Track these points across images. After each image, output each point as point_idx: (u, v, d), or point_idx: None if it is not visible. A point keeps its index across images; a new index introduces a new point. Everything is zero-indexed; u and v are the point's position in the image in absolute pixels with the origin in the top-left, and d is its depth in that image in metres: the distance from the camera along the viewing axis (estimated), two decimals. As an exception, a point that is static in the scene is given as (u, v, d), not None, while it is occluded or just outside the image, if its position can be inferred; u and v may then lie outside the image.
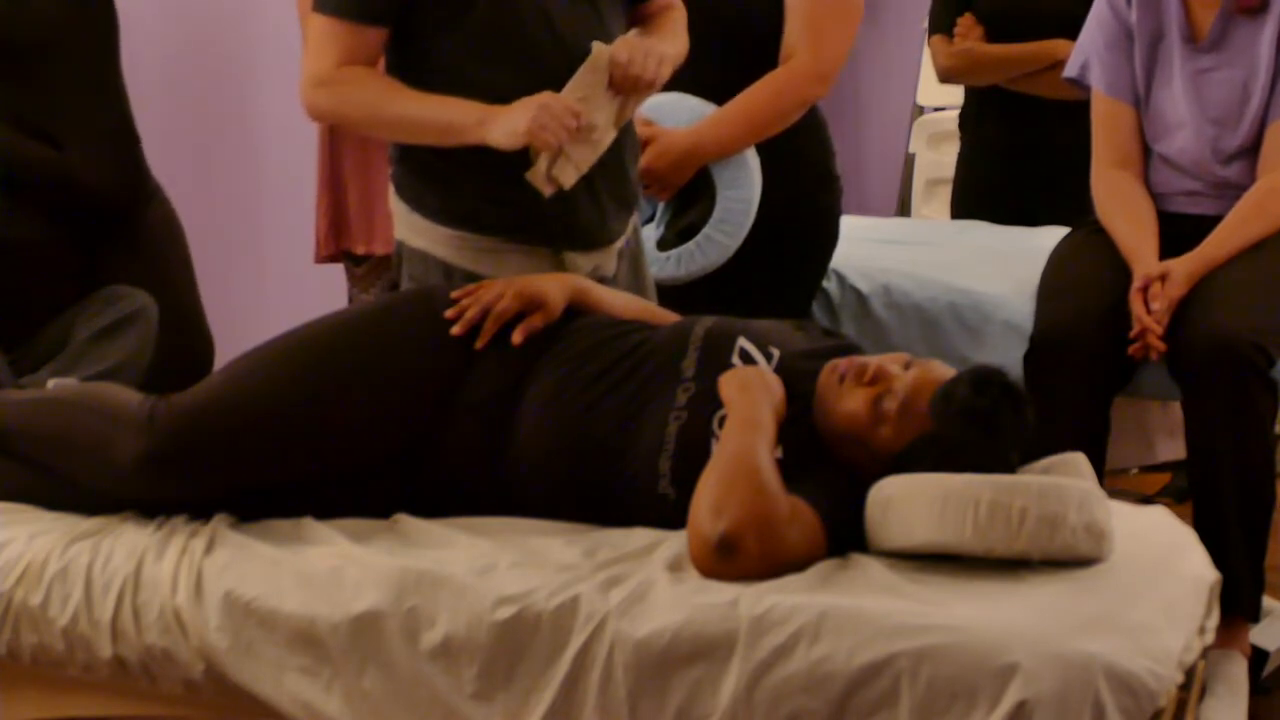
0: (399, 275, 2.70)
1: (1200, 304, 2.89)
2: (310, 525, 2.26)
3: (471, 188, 2.57)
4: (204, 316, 3.39)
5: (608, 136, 2.54)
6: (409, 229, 2.65)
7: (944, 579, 2.03)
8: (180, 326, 3.18)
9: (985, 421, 2.13)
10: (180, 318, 3.19)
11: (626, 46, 2.52)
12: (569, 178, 2.50)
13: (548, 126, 2.39)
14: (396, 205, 2.67)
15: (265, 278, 5.08)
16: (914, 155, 5.33)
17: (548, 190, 2.50)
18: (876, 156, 5.81)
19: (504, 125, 2.42)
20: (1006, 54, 3.86)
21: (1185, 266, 2.94)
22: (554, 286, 2.41)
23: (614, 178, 2.63)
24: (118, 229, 3.19)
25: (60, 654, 2.22)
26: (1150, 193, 3.15)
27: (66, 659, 2.22)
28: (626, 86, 2.51)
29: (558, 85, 2.47)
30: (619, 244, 2.71)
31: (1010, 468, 2.19)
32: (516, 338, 2.34)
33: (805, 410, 2.23)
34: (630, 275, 2.76)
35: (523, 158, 2.48)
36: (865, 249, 3.50)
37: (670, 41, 2.66)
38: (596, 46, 2.49)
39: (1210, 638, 2.15)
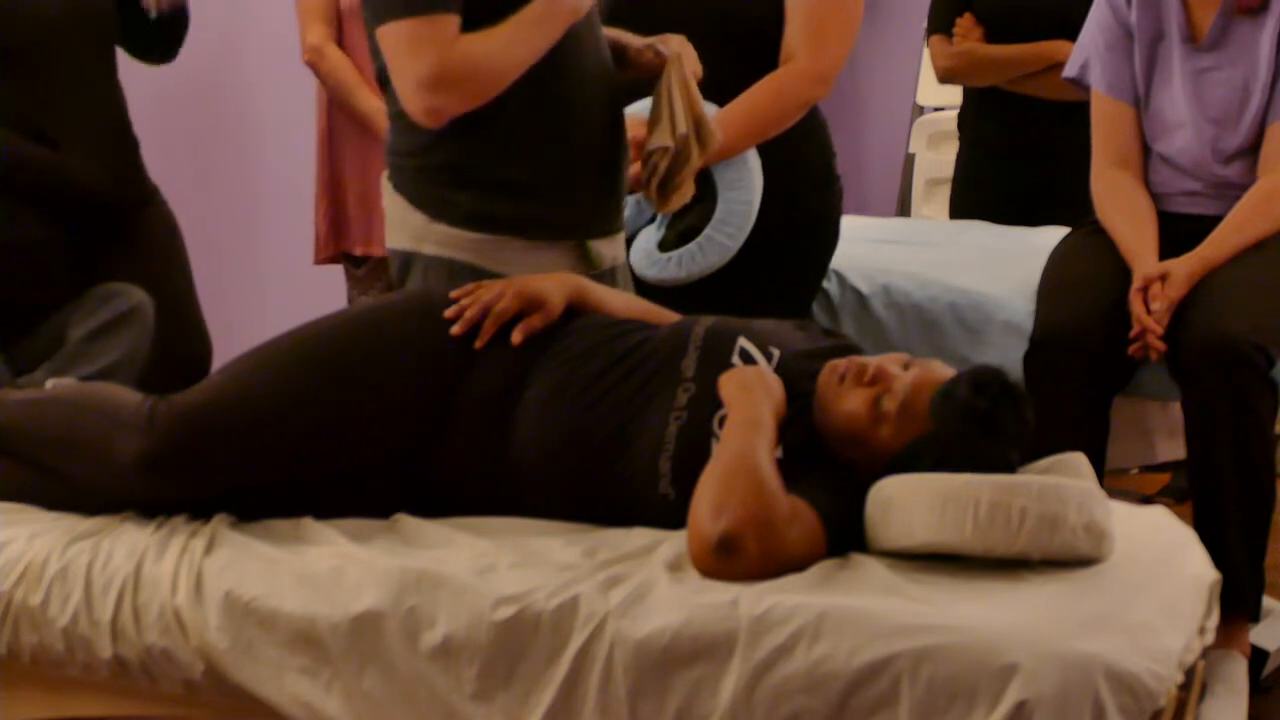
0: (401, 285, 2.68)
1: (1200, 304, 2.90)
2: (310, 525, 2.26)
3: (509, 191, 2.57)
4: (201, 317, 3.39)
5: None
6: (425, 239, 2.61)
7: (944, 579, 2.03)
8: (177, 327, 3.18)
9: (985, 422, 2.13)
10: (177, 318, 3.19)
11: (677, 41, 2.63)
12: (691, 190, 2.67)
13: None
14: (409, 216, 2.62)
15: (265, 278, 5.08)
16: (914, 155, 5.33)
17: (676, 205, 2.67)
18: (876, 156, 5.81)
19: None
20: (1005, 54, 3.86)
21: (1185, 267, 2.95)
22: (553, 286, 2.41)
23: (622, 164, 2.69)
24: (115, 230, 3.19)
25: (60, 654, 2.22)
26: (1150, 193, 3.15)
27: (66, 659, 2.22)
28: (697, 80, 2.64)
29: (596, 82, 2.59)
30: (623, 231, 2.77)
31: (1010, 468, 2.18)
32: (516, 338, 2.34)
33: (805, 410, 2.23)
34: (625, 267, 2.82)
35: (556, 157, 2.56)
36: (865, 249, 3.50)
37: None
38: (672, 52, 2.62)
39: (1210, 638, 2.15)
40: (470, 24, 2.47)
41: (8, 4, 3.07)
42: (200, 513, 2.29)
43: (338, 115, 4.04)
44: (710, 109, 3.04)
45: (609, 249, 2.69)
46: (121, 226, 3.21)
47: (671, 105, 2.59)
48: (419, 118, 2.50)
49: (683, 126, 2.59)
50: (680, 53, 2.62)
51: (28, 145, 3.08)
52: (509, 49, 2.48)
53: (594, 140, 2.63)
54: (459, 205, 2.58)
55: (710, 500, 2.05)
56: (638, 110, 2.98)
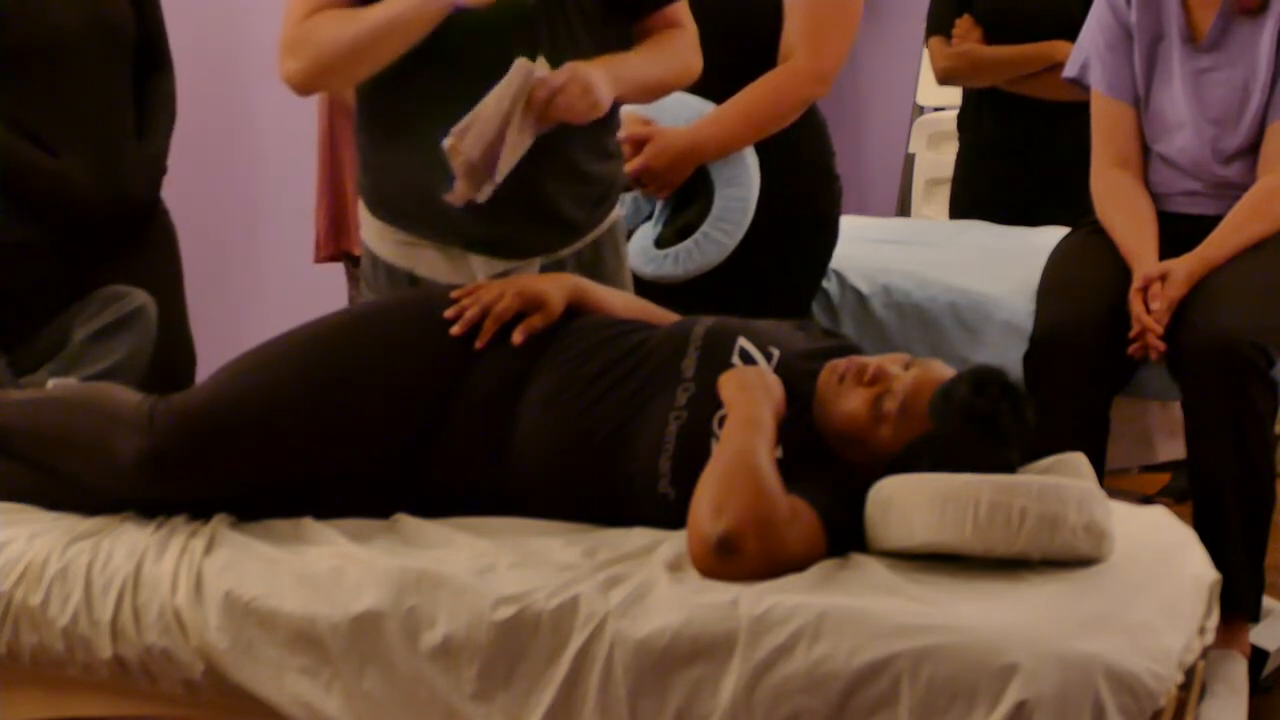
0: None
1: (1200, 304, 2.90)
2: (310, 525, 2.26)
3: (395, 182, 2.58)
4: (188, 329, 3.39)
5: (521, 151, 2.44)
6: (361, 221, 2.69)
7: (944, 579, 2.03)
8: (164, 338, 3.18)
9: (985, 421, 2.13)
10: (165, 329, 3.19)
11: (566, 73, 2.42)
12: (485, 194, 2.44)
13: None
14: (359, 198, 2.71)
15: (265, 278, 5.08)
16: (914, 155, 5.33)
17: (461, 202, 2.45)
18: (876, 156, 5.81)
19: None
20: (1005, 55, 3.86)
21: (1185, 267, 2.95)
22: (554, 287, 2.41)
23: (527, 195, 2.52)
24: (115, 238, 3.19)
25: (60, 654, 2.22)
26: (1150, 193, 3.15)
27: (66, 659, 2.22)
28: (546, 112, 2.41)
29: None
30: (547, 259, 2.62)
31: (1010, 468, 2.18)
32: (516, 338, 2.34)
33: (805, 410, 2.23)
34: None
35: (440, 158, 2.46)
36: (865, 249, 3.50)
37: (639, 66, 2.59)
38: (519, 62, 2.40)
39: (1210, 638, 2.15)
40: None
41: (29, 8, 3.07)
42: (200, 513, 2.29)
43: (339, 115, 4.05)
44: (708, 107, 3.05)
45: (503, 265, 2.57)
46: (121, 235, 3.21)
47: (473, 116, 2.40)
48: (287, 84, 2.52)
49: (456, 139, 2.39)
50: (525, 74, 2.39)
51: (29, 150, 3.08)
52: (345, 31, 2.43)
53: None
54: (366, 190, 2.64)
55: (710, 500, 2.05)
56: (632, 109, 2.98)
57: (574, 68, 2.44)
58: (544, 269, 2.61)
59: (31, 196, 3.08)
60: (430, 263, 2.59)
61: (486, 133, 2.39)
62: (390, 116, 2.57)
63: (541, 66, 2.42)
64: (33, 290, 3.10)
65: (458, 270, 2.57)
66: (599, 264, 2.69)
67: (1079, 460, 2.29)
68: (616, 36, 2.60)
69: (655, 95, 2.70)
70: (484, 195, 2.43)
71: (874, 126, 5.88)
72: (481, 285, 2.40)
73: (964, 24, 3.90)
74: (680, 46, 2.67)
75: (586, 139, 2.58)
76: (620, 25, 2.62)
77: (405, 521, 2.27)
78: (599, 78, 2.46)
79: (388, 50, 2.46)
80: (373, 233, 2.65)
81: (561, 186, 2.58)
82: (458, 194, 2.43)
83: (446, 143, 2.40)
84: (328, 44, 2.45)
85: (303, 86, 2.53)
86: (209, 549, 2.20)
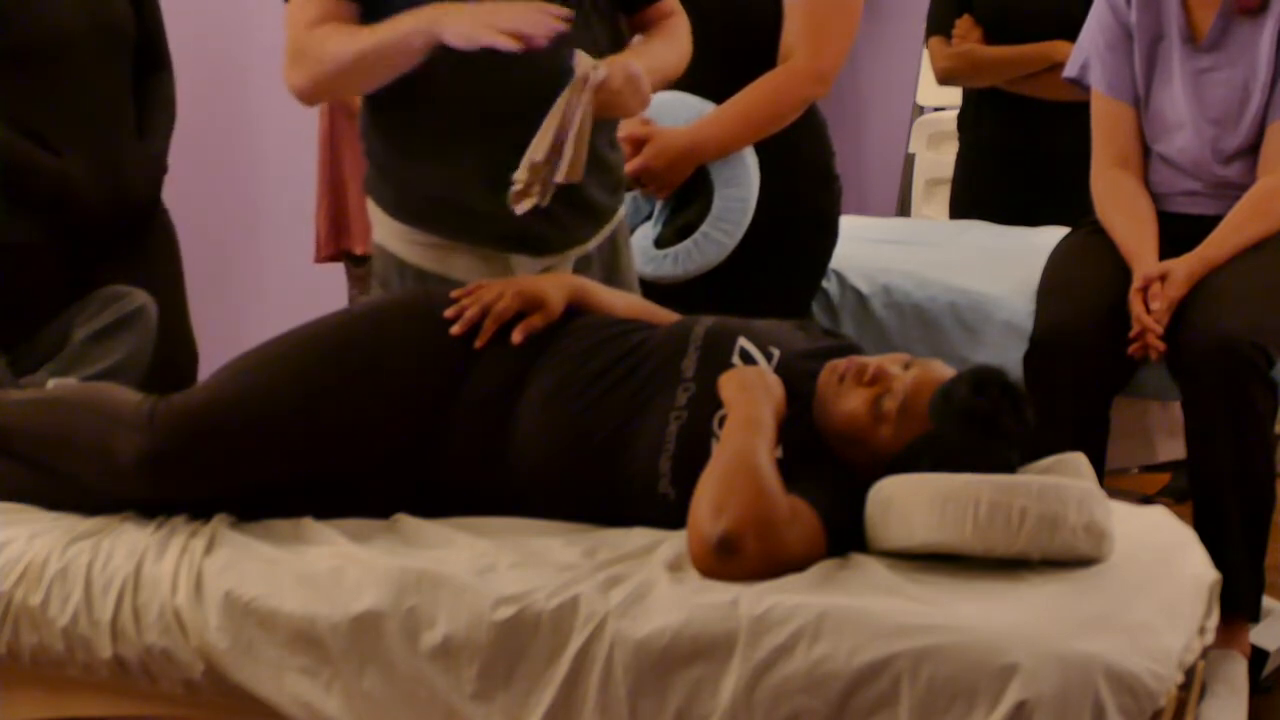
0: None
1: (1200, 304, 2.90)
2: (310, 525, 2.26)
3: (423, 187, 2.57)
4: (190, 328, 3.39)
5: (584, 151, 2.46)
6: (375, 224, 2.67)
7: (944, 579, 2.03)
8: (165, 338, 3.18)
9: (985, 422, 2.13)
10: (166, 329, 3.19)
11: (621, 72, 2.43)
12: (547, 197, 2.44)
13: (528, 24, 2.31)
14: (368, 201, 2.68)
15: (265, 278, 5.08)
16: (914, 155, 5.34)
17: (525, 209, 2.44)
18: (876, 156, 5.82)
19: (458, 26, 2.34)
20: (1005, 55, 3.86)
21: (1185, 267, 2.95)
22: (554, 286, 2.41)
23: (568, 187, 2.51)
24: (115, 238, 3.19)
25: (60, 654, 2.22)
26: (1150, 193, 3.15)
27: (66, 659, 2.22)
28: (608, 111, 2.44)
29: (524, 91, 2.42)
30: (580, 251, 2.65)
31: (1010, 468, 2.18)
32: (516, 337, 2.34)
33: (805, 410, 2.23)
34: (603, 279, 2.67)
35: (473, 160, 2.47)
36: (865, 249, 3.50)
37: (662, 55, 2.61)
38: (584, 65, 2.40)
39: (1210, 638, 2.15)
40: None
41: (29, 8, 3.07)
42: (200, 513, 2.29)
43: (339, 115, 4.05)
44: (707, 107, 3.05)
45: (541, 263, 2.59)
46: (122, 235, 3.21)
47: (547, 128, 2.41)
48: (291, 93, 2.53)
49: (539, 155, 2.39)
50: (592, 77, 2.39)
51: (30, 150, 3.08)
52: (343, 50, 2.43)
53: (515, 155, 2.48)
54: (388, 194, 2.61)
55: (710, 500, 2.05)
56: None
57: (624, 64, 2.45)
58: (576, 266, 2.63)
59: (32, 196, 3.09)
60: (465, 266, 2.57)
61: (570, 147, 2.40)
62: (413, 122, 2.55)
63: (601, 67, 2.42)
64: (33, 290, 3.10)
65: (494, 272, 2.56)
66: (617, 259, 2.73)
67: (1079, 460, 2.29)
68: (618, 30, 2.63)
69: (667, 83, 2.71)
70: (546, 199, 2.44)
71: (874, 126, 5.88)
72: (481, 285, 2.40)
73: (964, 24, 3.90)
74: (680, 34, 2.69)
75: (604, 126, 2.59)
76: (619, 19, 2.64)
77: (405, 521, 2.27)
78: (641, 71, 2.48)
79: (380, 73, 2.47)
80: (394, 236, 2.62)
81: (590, 173, 2.57)
82: (526, 203, 2.43)
83: (526, 161, 2.39)
84: (327, 61, 2.45)
85: (305, 99, 2.56)
86: (209, 549, 2.20)
